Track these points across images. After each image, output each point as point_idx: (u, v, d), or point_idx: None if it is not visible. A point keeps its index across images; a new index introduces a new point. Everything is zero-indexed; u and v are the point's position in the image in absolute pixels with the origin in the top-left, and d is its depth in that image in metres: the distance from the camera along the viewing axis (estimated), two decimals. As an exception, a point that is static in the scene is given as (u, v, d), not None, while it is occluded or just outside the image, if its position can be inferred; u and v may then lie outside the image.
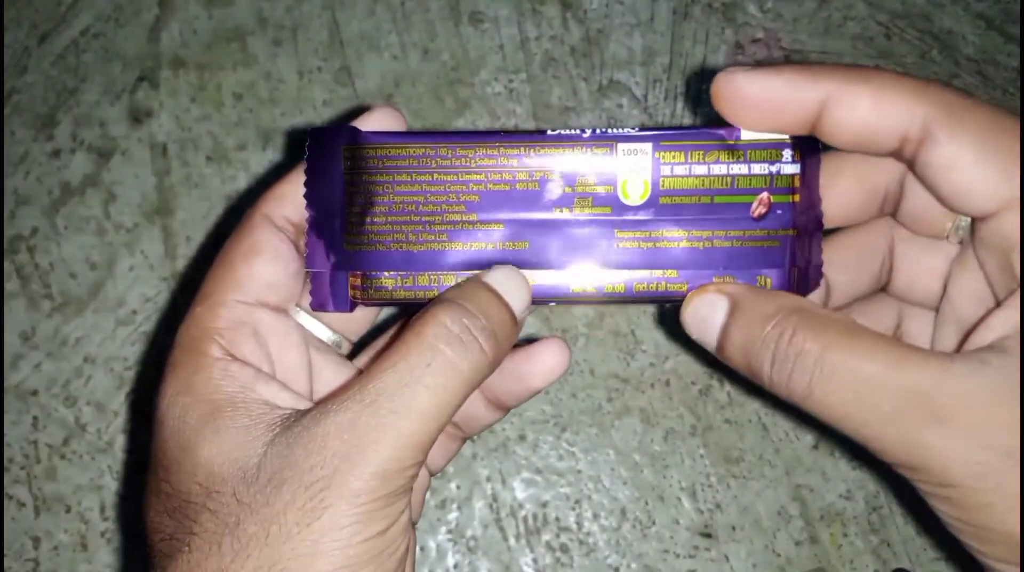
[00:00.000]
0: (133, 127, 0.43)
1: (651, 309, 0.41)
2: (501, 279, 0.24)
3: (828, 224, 0.25)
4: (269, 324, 0.24)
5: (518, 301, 0.23)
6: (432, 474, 0.29)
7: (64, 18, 0.45)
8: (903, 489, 0.40)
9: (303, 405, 0.22)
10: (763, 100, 0.22)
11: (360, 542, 0.20)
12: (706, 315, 0.23)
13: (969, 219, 0.23)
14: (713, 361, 0.42)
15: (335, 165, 0.24)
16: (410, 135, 0.24)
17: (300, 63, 0.44)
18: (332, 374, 0.26)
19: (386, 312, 0.38)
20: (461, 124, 0.44)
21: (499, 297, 0.23)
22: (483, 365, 0.22)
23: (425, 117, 0.43)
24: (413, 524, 0.26)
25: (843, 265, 0.26)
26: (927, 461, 0.19)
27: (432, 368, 0.21)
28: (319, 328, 0.26)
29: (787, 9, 0.46)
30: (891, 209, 0.25)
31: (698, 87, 0.44)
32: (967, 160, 0.20)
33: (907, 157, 0.22)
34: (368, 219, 0.25)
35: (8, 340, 0.41)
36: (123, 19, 0.45)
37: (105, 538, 0.39)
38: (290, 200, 0.24)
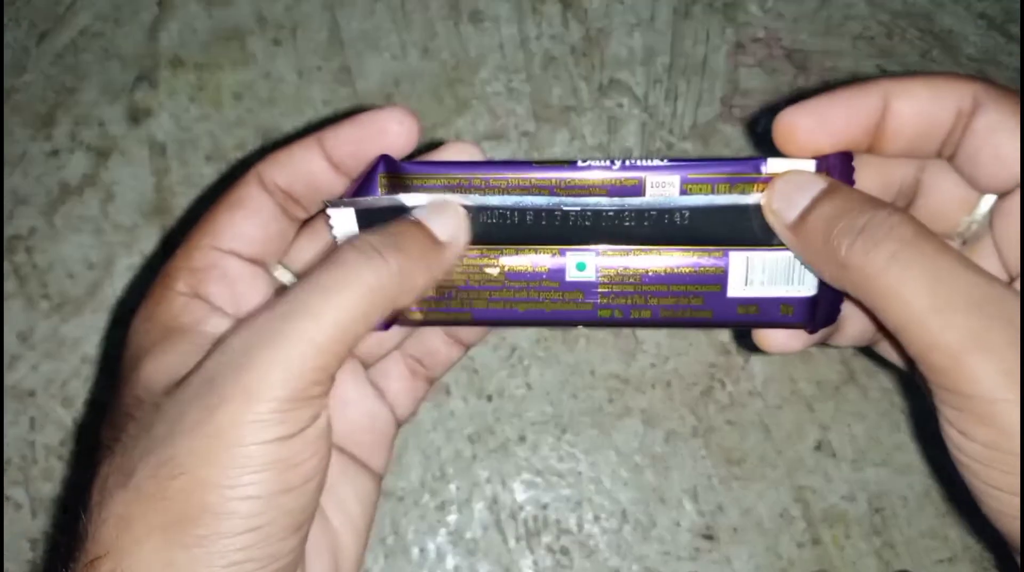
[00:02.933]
0: (132, 127, 0.43)
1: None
2: (424, 211, 0.24)
3: None
4: (238, 270, 0.25)
5: (440, 224, 0.24)
6: (400, 423, 0.29)
7: (63, 18, 0.45)
8: (905, 490, 0.40)
9: None
10: (832, 122, 0.23)
11: (257, 443, 0.20)
12: (801, 186, 0.23)
13: (981, 215, 0.24)
14: (714, 361, 0.41)
15: (372, 192, 0.25)
16: (444, 165, 0.25)
17: (300, 63, 0.44)
18: None
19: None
20: (461, 124, 0.44)
21: (418, 222, 0.24)
22: (387, 275, 0.22)
23: (425, 116, 0.43)
24: (379, 471, 0.27)
25: None
26: (972, 363, 0.19)
27: (335, 276, 0.21)
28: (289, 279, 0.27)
29: (788, 8, 0.45)
30: (903, 204, 0.26)
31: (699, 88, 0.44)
32: (1011, 124, 0.22)
33: (958, 134, 0.23)
34: None
35: (6, 340, 0.41)
36: (122, 19, 0.45)
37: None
38: (283, 167, 0.25)
